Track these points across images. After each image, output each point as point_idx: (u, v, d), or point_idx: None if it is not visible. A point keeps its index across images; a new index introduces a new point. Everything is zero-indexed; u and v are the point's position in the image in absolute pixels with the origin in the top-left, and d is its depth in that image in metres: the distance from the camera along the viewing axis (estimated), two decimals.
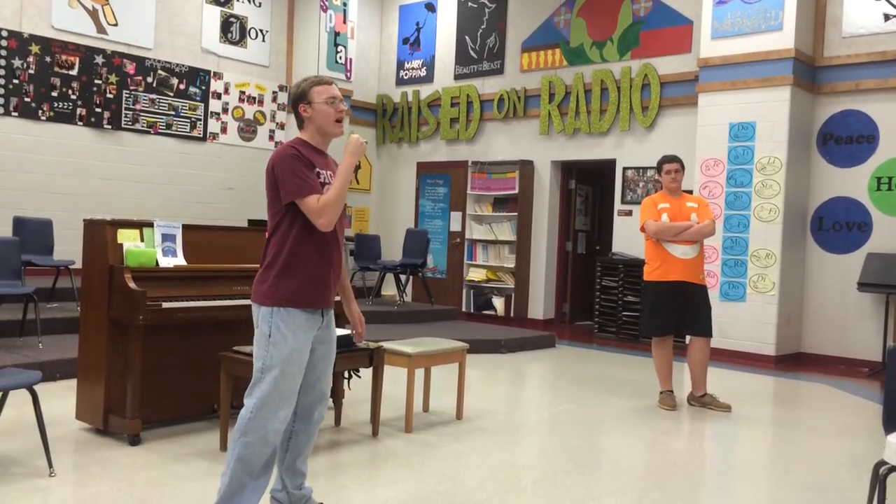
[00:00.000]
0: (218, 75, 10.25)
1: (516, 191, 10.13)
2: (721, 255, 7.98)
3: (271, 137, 10.89)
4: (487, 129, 10.78)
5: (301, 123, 2.91)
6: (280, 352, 2.73)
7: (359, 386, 5.16)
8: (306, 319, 2.79)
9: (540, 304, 10.16)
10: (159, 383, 4.17)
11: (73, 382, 4.54)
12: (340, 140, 2.99)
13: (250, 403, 2.74)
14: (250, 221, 9.80)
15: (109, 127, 9.21)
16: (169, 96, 9.75)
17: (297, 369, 2.78)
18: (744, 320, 7.82)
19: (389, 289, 10.65)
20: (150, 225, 4.25)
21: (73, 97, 8.88)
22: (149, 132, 9.58)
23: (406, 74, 11.75)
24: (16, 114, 8.44)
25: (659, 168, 5.61)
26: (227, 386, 3.89)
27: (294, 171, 2.73)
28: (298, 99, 2.88)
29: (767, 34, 7.75)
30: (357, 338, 3.23)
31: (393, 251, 10.94)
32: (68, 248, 7.71)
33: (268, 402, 2.72)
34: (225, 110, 10.35)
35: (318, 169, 2.80)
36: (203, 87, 10.11)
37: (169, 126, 9.78)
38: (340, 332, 4.25)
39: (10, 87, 8.39)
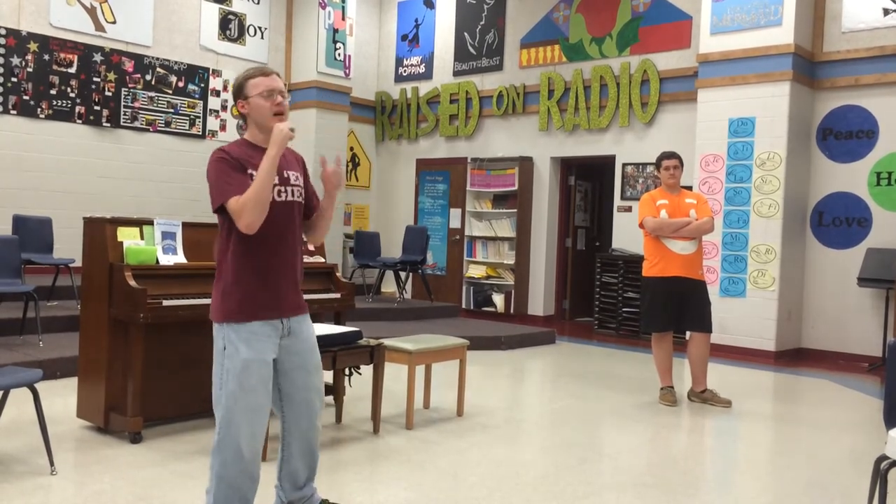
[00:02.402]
0: (217, 73, 10.24)
1: (516, 187, 10.13)
2: (721, 250, 7.98)
3: None
4: (486, 125, 10.77)
5: (244, 122, 2.70)
6: (234, 364, 2.55)
7: (359, 383, 5.17)
8: (261, 327, 2.60)
9: (540, 301, 10.17)
10: (160, 381, 4.18)
11: (74, 381, 4.55)
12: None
13: (216, 423, 2.59)
14: None
15: (108, 125, 9.20)
16: (168, 94, 9.75)
17: (257, 381, 2.57)
18: (744, 316, 7.83)
19: (389, 286, 10.66)
20: (150, 223, 4.24)
21: (72, 95, 8.88)
22: (148, 130, 9.57)
23: (405, 71, 11.74)
24: (14, 112, 8.43)
25: (658, 164, 5.61)
26: None
27: (217, 175, 2.54)
28: (236, 95, 2.67)
29: (767, 29, 7.74)
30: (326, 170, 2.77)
31: (392, 248, 10.94)
32: (68, 246, 7.71)
33: (232, 418, 2.55)
34: (224, 108, 10.35)
35: (251, 170, 2.55)
36: (202, 85, 10.10)
37: (168, 124, 9.77)
38: (331, 329, 4.26)
39: (9, 85, 8.39)
